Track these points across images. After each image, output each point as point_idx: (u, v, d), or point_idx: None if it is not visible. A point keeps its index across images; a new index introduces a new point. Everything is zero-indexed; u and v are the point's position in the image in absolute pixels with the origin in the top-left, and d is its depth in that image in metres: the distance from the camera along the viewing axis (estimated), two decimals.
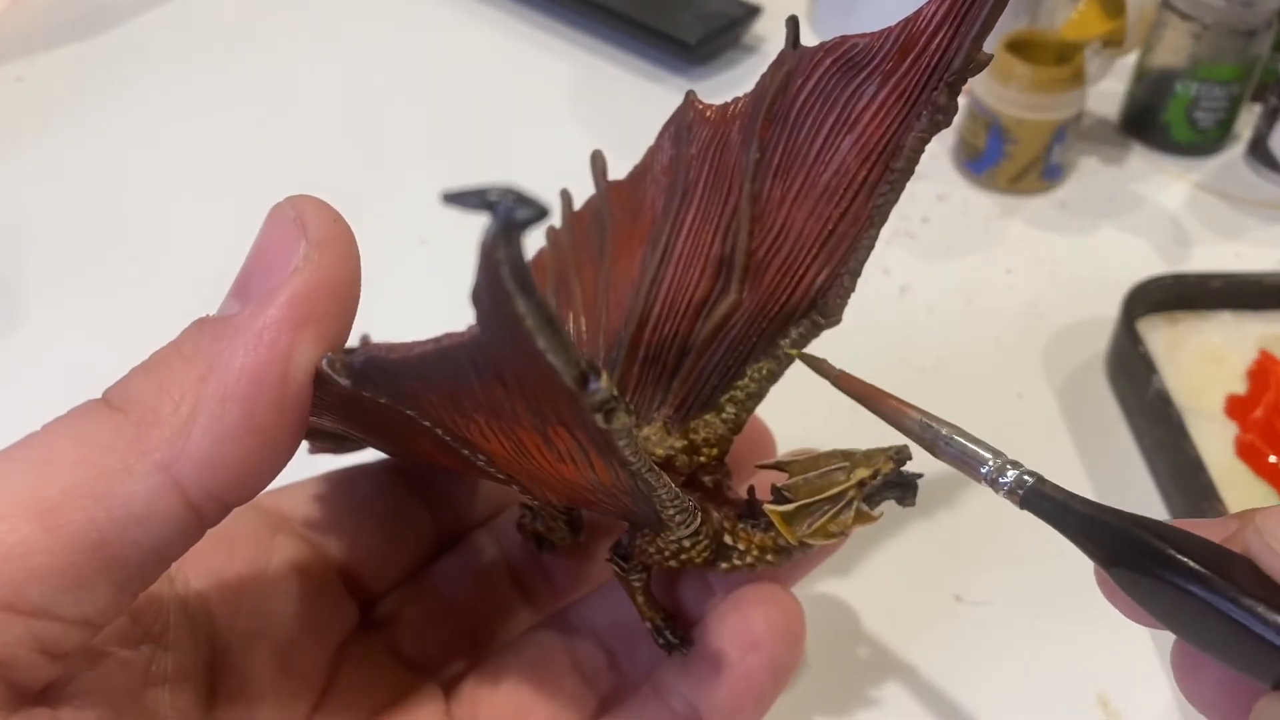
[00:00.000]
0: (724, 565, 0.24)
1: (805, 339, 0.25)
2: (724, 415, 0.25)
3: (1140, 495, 0.39)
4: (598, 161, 0.28)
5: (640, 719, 0.24)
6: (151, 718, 0.20)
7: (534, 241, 0.26)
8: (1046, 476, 0.20)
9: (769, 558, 0.23)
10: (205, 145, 0.53)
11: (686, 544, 0.23)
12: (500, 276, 0.14)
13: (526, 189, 0.14)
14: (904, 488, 0.22)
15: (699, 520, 0.22)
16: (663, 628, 0.24)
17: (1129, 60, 0.53)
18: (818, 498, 0.22)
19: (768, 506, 0.23)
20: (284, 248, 0.18)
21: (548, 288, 0.28)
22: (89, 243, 0.47)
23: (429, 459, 0.22)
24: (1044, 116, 0.49)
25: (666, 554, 0.23)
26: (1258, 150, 0.53)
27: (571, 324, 0.27)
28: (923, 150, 0.23)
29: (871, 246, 0.24)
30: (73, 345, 0.42)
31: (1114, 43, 0.50)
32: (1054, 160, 0.51)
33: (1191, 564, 0.17)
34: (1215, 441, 0.39)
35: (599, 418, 0.16)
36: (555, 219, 0.28)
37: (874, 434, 0.24)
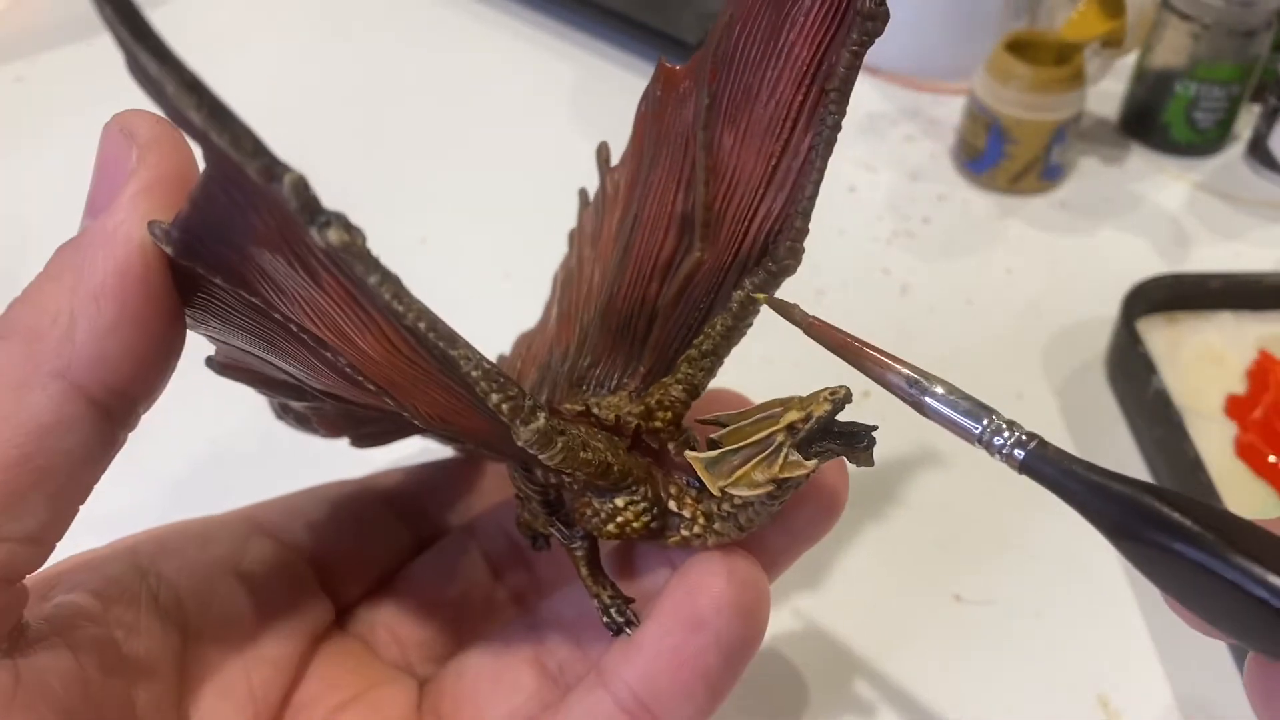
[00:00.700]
0: (671, 537, 0.21)
1: (761, 290, 0.23)
2: (678, 376, 0.23)
3: None
4: (602, 152, 0.28)
5: (582, 708, 0.22)
6: (120, 702, 0.20)
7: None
8: (1037, 490, 0.19)
9: (716, 526, 0.21)
10: None
11: (620, 504, 0.21)
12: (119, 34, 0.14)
13: None
14: (849, 438, 0.20)
15: (542, 421, 0.19)
16: (609, 605, 0.22)
17: (1129, 60, 0.53)
18: (743, 443, 0.20)
19: (689, 454, 0.21)
20: (117, 158, 0.19)
21: (569, 295, 0.28)
22: None
23: (326, 385, 0.21)
24: (1044, 117, 0.49)
25: (603, 517, 0.21)
26: (1257, 150, 0.53)
27: (580, 322, 0.26)
28: (856, 67, 0.21)
29: (818, 182, 0.22)
30: None
31: (1113, 43, 0.50)
32: (1054, 160, 0.51)
33: (1200, 530, 0.16)
34: (1215, 441, 0.39)
35: (315, 233, 0.16)
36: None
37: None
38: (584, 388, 0.24)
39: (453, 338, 0.18)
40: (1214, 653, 0.35)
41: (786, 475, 0.19)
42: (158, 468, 0.39)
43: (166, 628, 0.22)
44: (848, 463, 0.21)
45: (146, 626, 0.22)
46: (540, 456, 0.19)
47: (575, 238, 0.29)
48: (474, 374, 0.18)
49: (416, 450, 0.32)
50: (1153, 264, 0.48)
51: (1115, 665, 0.34)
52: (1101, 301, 0.44)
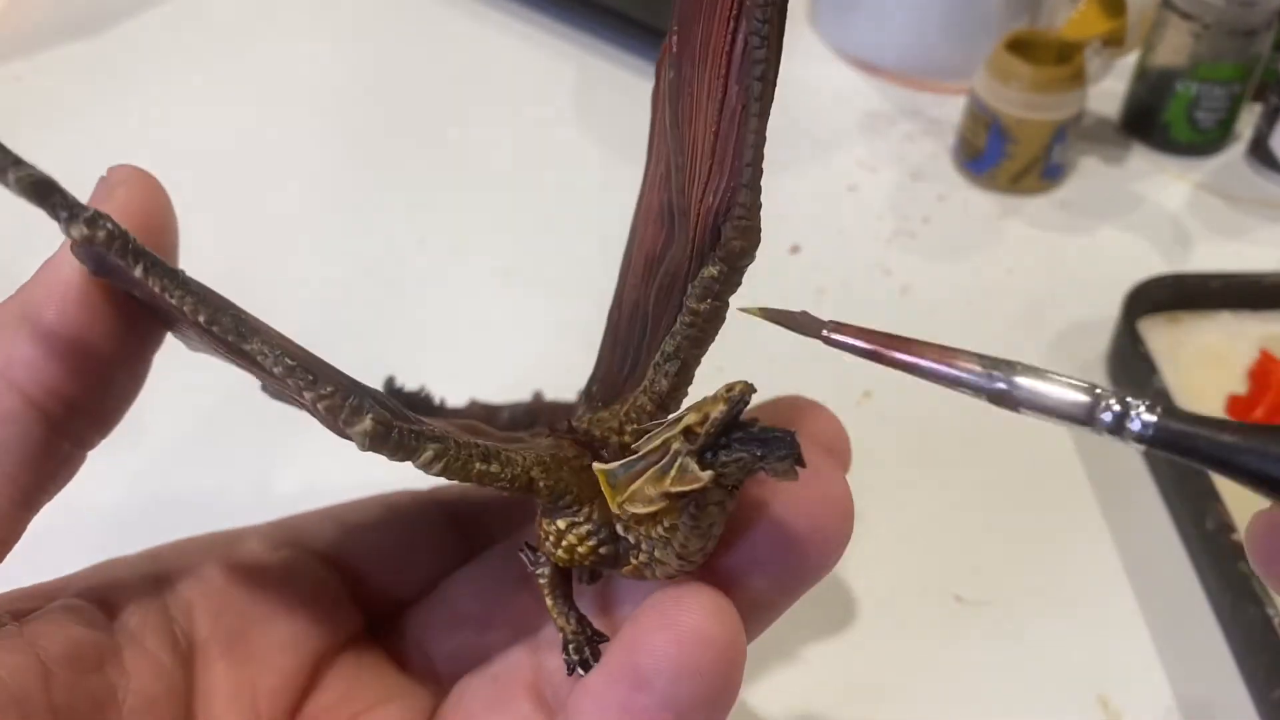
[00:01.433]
0: (624, 568, 0.19)
1: (717, 286, 0.19)
2: (644, 384, 0.20)
3: (1141, 496, 0.39)
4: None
5: None
6: (98, 702, 0.20)
7: None
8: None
9: (657, 554, 0.18)
10: (204, 144, 0.53)
11: (562, 526, 0.19)
12: None
13: None
14: (764, 445, 0.16)
15: (369, 423, 0.16)
16: (568, 641, 0.20)
17: (1129, 60, 0.53)
18: (642, 452, 0.17)
19: (595, 465, 0.18)
20: (95, 196, 0.20)
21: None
22: None
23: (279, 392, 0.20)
24: (1044, 116, 0.49)
25: (552, 541, 0.19)
26: (1258, 150, 0.53)
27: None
28: (775, 2, 0.18)
29: (758, 145, 0.19)
30: None
31: (1114, 42, 0.50)
32: (1054, 160, 0.51)
33: None
34: None
35: (62, 229, 0.16)
36: None
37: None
38: (595, 402, 0.23)
39: (247, 330, 0.16)
40: (1215, 653, 0.35)
41: (679, 489, 0.16)
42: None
43: (174, 633, 0.22)
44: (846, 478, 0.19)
45: (152, 631, 0.22)
46: (416, 466, 0.17)
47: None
48: (276, 370, 0.16)
49: None
50: (1154, 264, 0.48)
51: (1116, 665, 0.34)
52: (1102, 301, 0.44)
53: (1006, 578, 0.37)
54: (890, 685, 0.34)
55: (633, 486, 0.17)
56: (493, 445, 0.18)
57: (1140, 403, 0.16)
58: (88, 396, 0.20)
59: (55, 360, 0.19)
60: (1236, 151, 0.55)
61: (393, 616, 0.26)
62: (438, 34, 0.61)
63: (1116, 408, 0.16)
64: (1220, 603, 0.35)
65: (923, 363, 0.18)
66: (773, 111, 0.19)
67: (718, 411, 0.16)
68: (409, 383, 0.34)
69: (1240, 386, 0.41)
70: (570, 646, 0.20)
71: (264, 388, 0.26)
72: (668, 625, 0.17)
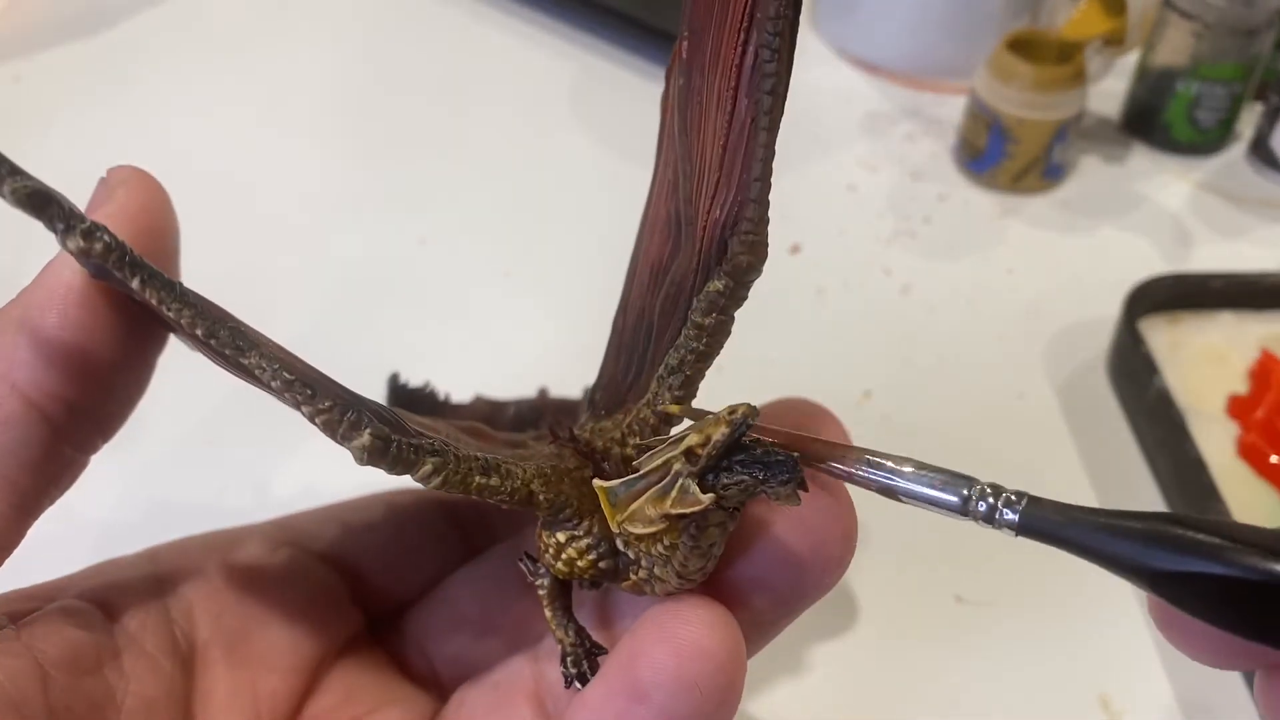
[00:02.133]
0: (624, 581, 0.19)
1: (723, 300, 0.19)
2: (647, 396, 0.20)
3: (1142, 496, 0.39)
4: None
5: None
6: (97, 703, 0.20)
7: None
8: (1038, 491, 0.17)
9: (657, 571, 0.18)
10: (204, 144, 0.53)
11: (561, 539, 0.19)
12: None
13: None
14: (766, 468, 0.16)
15: (367, 437, 0.16)
16: (566, 653, 0.20)
17: (1130, 59, 0.53)
18: (644, 471, 0.17)
19: (596, 481, 0.18)
20: (95, 198, 0.20)
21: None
22: None
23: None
24: (1045, 116, 0.49)
25: (551, 553, 0.19)
26: (1259, 150, 0.53)
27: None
28: (786, 15, 0.18)
29: (767, 160, 0.18)
30: None
31: (1115, 42, 0.50)
32: (1055, 160, 0.51)
33: (1227, 542, 0.15)
34: (1217, 441, 0.39)
35: (58, 240, 0.16)
36: None
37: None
38: (598, 410, 0.23)
39: (245, 343, 0.16)
40: None
41: (679, 511, 0.16)
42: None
43: (173, 635, 0.22)
44: (844, 493, 0.19)
45: (152, 633, 0.21)
46: (415, 480, 0.17)
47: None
48: (275, 384, 0.16)
49: None
50: (1154, 264, 0.48)
51: (1117, 665, 0.34)
52: (1103, 301, 0.44)
53: (1007, 578, 0.37)
54: (890, 685, 0.34)
55: (633, 506, 0.17)
56: (493, 457, 0.18)
57: (1009, 495, 0.17)
58: (90, 400, 0.20)
59: (57, 364, 0.19)
60: (1237, 151, 0.55)
61: (394, 616, 0.26)
62: (438, 34, 0.61)
63: (986, 503, 0.17)
64: None
65: (816, 459, 0.18)
66: None
67: (719, 434, 0.16)
68: (413, 379, 0.34)
69: (1241, 386, 0.41)
70: (568, 659, 0.20)
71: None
72: (667, 638, 0.17)
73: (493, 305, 0.46)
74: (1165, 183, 0.53)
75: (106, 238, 0.16)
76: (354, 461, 0.17)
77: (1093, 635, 0.35)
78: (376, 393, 0.33)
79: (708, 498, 0.16)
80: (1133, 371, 0.41)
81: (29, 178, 0.16)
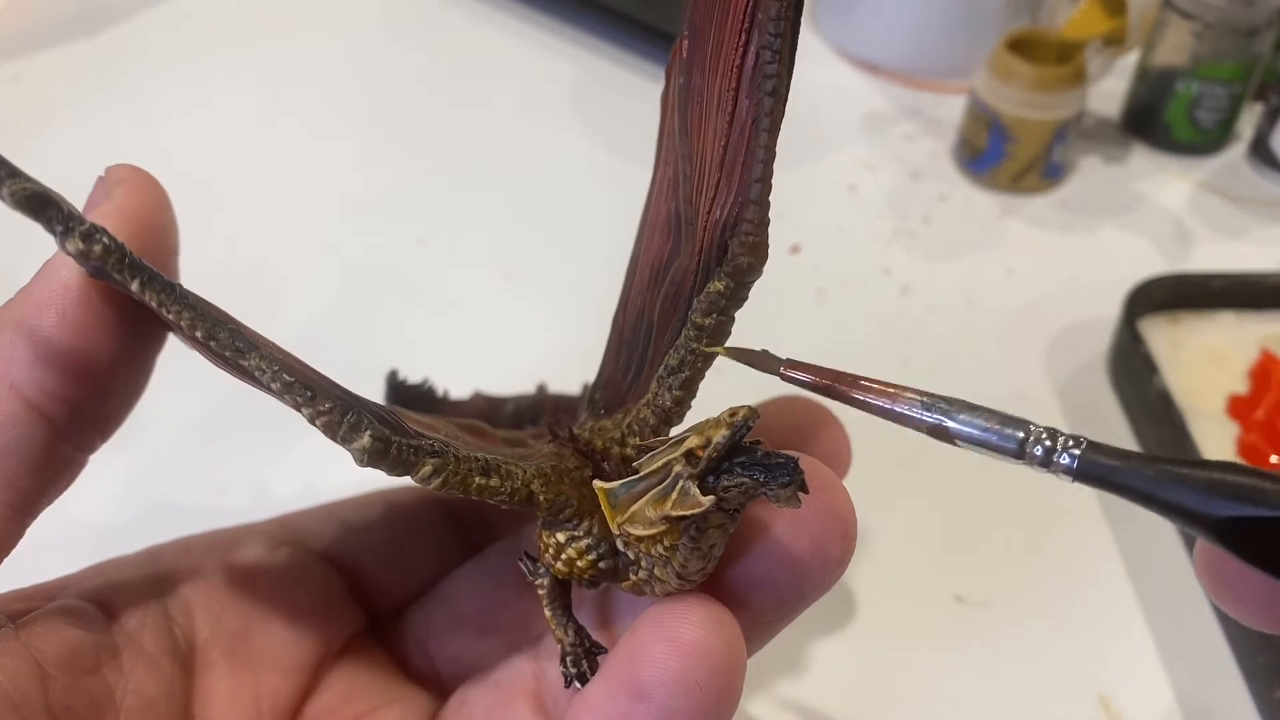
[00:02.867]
0: (624, 581, 0.19)
1: (723, 301, 0.19)
2: (647, 397, 0.20)
3: None
4: None
5: None
6: (97, 702, 0.20)
7: None
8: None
9: (656, 572, 0.18)
10: (203, 144, 0.53)
11: (561, 539, 0.19)
12: None
13: None
14: (767, 471, 0.16)
15: (367, 439, 0.16)
16: (566, 652, 0.20)
17: (1130, 59, 0.53)
18: (644, 472, 0.17)
19: (596, 482, 0.18)
20: (94, 197, 0.20)
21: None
22: None
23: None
24: (1045, 116, 0.49)
25: (551, 553, 0.19)
26: (1259, 149, 0.53)
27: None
28: (787, 17, 0.18)
29: (768, 161, 0.18)
30: None
31: (1115, 42, 0.50)
32: (1055, 159, 0.51)
33: None
34: (1217, 442, 0.39)
35: (57, 243, 0.16)
36: None
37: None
38: (598, 408, 0.23)
39: (245, 345, 0.16)
40: (1215, 653, 0.35)
41: (679, 513, 0.16)
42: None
43: (173, 634, 0.22)
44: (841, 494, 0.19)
45: (151, 632, 0.22)
46: (414, 481, 0.17)
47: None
48: (274, 386, 0.16)
49: None
50: (1154, 263, 0.48)
51: (1117, 665, 0.34)
52: (1103, 301, 0.44)
53: (1007, 578, 0.37)
54: (891, 685, 0.34)
55: (633, 507, 0.17)
56: (493, 458, 0.18)
57: (1068, 437, 0.17)
58: (89, 400, 0.19)
59: (56, 363, 0.19)
60: (1237, 151, 0.55)
61: (394, 615, 0.26)
62: (438, 34, 0.61)
63: (1047, 443, 0.17)
64: None
65: (868, 399, 0.18)
66: None
67: (720, 436, 0.16)
68: (412, 376, 0.34)
69: (1241, 386, 0.41)
70: (568, 659, 0.20)
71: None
72: (668, 637, 0.17)
73: (492, 305, 0.46)
74: (1165, 183, 0.53)
75: (105, 240, 0.16)
76: (354, 463, 0.17)
77: (1093, 635, 0.35)
78: (376, 392, 0.33)
79: (708, 500, 0.16)
80: (1133, 371, 0.41)
81: (28, 179, 0.16)
